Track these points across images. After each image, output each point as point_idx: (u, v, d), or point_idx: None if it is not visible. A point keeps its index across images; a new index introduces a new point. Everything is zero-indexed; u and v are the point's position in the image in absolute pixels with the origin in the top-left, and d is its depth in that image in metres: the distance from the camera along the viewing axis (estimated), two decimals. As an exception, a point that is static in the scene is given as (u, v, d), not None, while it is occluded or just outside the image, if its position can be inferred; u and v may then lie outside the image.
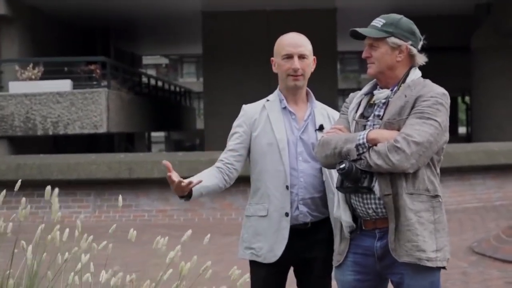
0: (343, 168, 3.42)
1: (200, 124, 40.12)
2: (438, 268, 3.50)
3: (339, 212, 3.62)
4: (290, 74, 3.98)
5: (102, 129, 18.07)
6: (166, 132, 51.14)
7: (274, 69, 4.09)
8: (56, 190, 3.95)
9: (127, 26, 28.01)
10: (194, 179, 3.73)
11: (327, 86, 22.63)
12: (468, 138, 30.62)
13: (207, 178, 3.87)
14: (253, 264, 4.03)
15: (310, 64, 4.03)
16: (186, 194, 3.74)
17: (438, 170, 3.56)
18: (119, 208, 12.33)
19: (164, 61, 59.46)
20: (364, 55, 3.58)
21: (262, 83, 22.11)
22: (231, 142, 4.06)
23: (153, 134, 44.35)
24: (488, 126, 22.80)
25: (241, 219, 11.70)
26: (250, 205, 4.06)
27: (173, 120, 31.84)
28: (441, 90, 3.50)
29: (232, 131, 4.09)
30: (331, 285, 3.99)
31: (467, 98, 35.37)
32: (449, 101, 3.51)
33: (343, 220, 3.59)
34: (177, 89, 36.03)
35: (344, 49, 33.99)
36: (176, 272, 3.79)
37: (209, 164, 13.51)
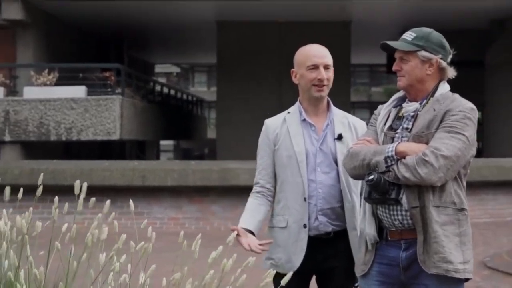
0: (372, 180, 3.45)
1: (210, 133, 40.16)
2: (463, 280, 3.53)
3: (363, 225, 3.65)
4: (315, 84, 4.00)
5: (115, 136, 18.13)
6: (175, 141, 51.12)
7: (295, 80, 4.11)
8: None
9: (141, 34, 28.07)
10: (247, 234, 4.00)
11: (340, 99, 22.47)
12: (479, 153, 30.54)
13: (257, 213, 4.06)
14: (275, 274, 4.05)
15: (332, 75, 4.07)
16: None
17: (465, 184, 3.59)
18: (131, 215, 12.50)
19: (175, 70, 59.54)
20: (394, 68, 3.62)
21: (273, 94, 22.09)
22: (261, 161, 4.14)
23: (162, 142, 44.35)
24: (500, 141, 22.73)
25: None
26: (272, 216, 4.13)
27: (184, 129, 31.88)
28: (469, 105, 3.54)
29: (258, 149, 4.17)
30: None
31: (479, 113, 35.30)
32: (477, 115, 3.55)
33: (367, 233, 3.62)
34: (189, 98, 36.09)
35: (355, 62, 33.95)
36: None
37: (221, 173, 13.40)
